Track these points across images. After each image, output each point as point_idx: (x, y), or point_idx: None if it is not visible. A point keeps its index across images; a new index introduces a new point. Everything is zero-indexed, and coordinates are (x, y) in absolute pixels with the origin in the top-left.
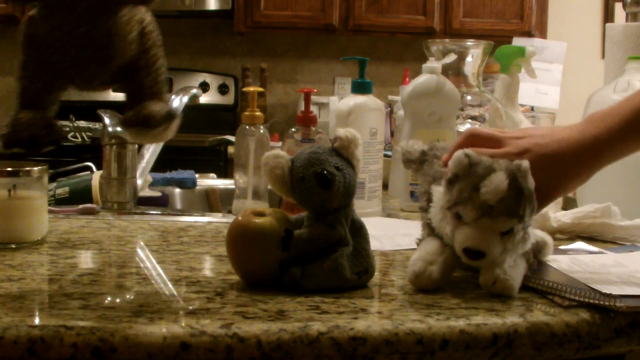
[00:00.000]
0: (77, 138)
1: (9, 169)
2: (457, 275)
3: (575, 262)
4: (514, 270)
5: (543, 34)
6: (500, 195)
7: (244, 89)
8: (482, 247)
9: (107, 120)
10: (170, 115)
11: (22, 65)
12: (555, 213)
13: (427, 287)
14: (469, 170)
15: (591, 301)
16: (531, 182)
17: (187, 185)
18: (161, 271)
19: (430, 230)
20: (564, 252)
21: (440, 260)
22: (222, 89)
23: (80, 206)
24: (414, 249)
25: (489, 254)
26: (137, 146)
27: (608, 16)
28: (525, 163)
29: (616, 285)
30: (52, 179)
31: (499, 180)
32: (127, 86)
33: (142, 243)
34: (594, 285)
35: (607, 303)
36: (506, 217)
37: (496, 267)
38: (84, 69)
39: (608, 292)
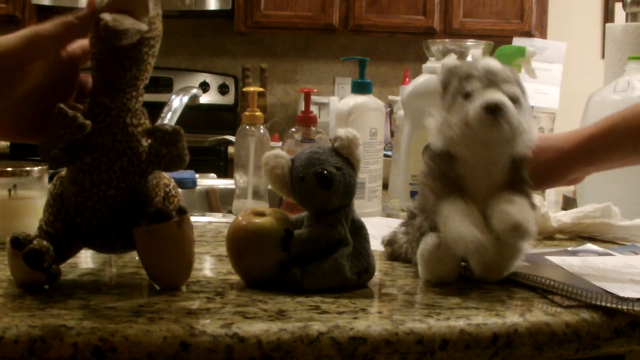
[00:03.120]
0: None
1: (9, 169)
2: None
3: (586, 263)
4: (530, 213)
5: (543, 34)
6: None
7: (244, 89)
8: (502, 101)
9: None
10: (180, 211)
11: (46, 220)
12: (555, 213)
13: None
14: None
15: (609, 305)
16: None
17: (187, 185)
18: None
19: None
20: (574, 253)
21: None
22: (222, 89)
23: None
24: None
25: (508, 106)
26: None
27: (608, 16)
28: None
29: (632, 289)
30: (52, 179)
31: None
32: None
33: None
34: (609, 288)
35: (624, 307)
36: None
37: (510, 208)
38: (108, 230)
39: (625, 295)
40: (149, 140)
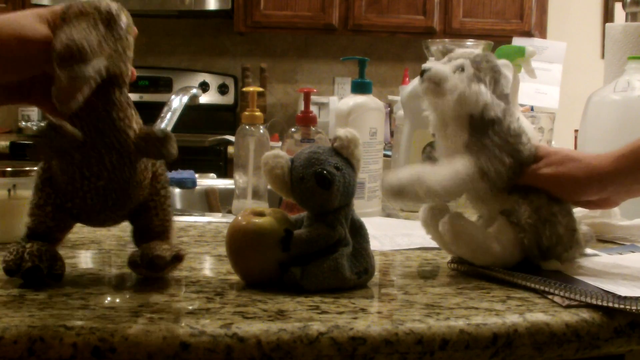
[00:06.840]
0: None
1: (9, 169)
2: (457, 275)
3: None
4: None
5: (543, 34)
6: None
7: (244, 89)
8: (428, 65)
9: None
10: (175, 258)
11: (36, 204)
12: None
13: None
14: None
15: (609, 305)
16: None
17: (186, 185)
18: None
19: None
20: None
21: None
22: (222, 89)
23: None
24: (413, 249)
25: (431, 68)
26: None
27: (608, 16)
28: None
29: (626, 286)
30: None
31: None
32: (136, 224)
33: None
34: (607, 287)
35: (623, 306)
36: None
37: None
38: (99, 214)
39: (624, 294)
40: (138, 133)
